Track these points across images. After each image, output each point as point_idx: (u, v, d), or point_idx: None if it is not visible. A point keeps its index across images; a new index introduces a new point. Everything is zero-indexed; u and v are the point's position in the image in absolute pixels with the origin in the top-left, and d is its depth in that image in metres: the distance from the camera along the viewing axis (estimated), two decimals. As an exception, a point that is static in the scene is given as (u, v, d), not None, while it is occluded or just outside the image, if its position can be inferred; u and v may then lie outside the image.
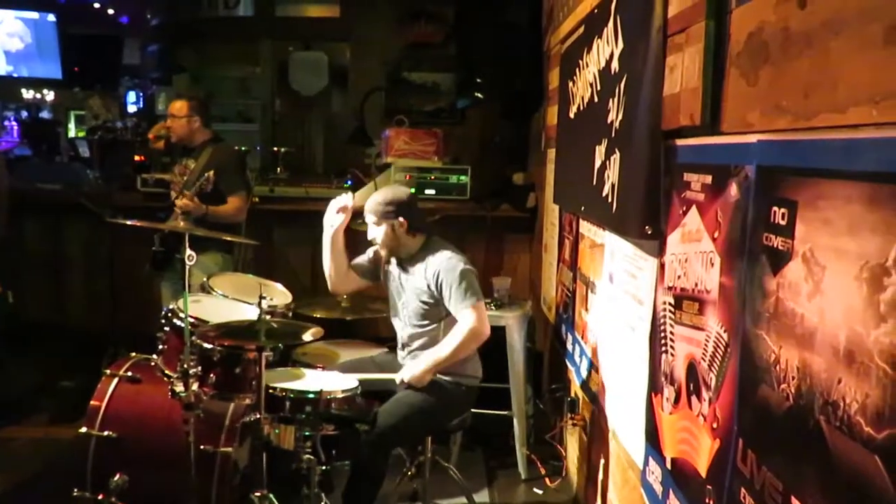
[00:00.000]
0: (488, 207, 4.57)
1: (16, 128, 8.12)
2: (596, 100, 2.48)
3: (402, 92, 6.02)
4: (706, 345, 1.49)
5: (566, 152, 3.16)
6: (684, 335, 1.63)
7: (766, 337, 1.22)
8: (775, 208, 1.20)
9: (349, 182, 4.71)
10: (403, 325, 2.75)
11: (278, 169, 5.00)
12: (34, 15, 7.92)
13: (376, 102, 5.79)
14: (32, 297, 4.77)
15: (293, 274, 4.46)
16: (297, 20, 6.23)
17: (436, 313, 2.66)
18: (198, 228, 2.39)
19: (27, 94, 9.51)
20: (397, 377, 2.56)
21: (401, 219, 2.65)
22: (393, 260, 2.78)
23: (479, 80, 6.03)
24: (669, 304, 1.74)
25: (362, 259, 2.88)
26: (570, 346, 3.12)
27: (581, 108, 2.78)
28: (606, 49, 2.29)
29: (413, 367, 2.57)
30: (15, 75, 8.44)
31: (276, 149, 5.23)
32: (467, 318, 2.55)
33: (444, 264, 2.61)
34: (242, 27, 6.30)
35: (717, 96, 1.49)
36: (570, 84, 3.00)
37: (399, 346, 2.79)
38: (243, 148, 4.85)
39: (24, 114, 9.04)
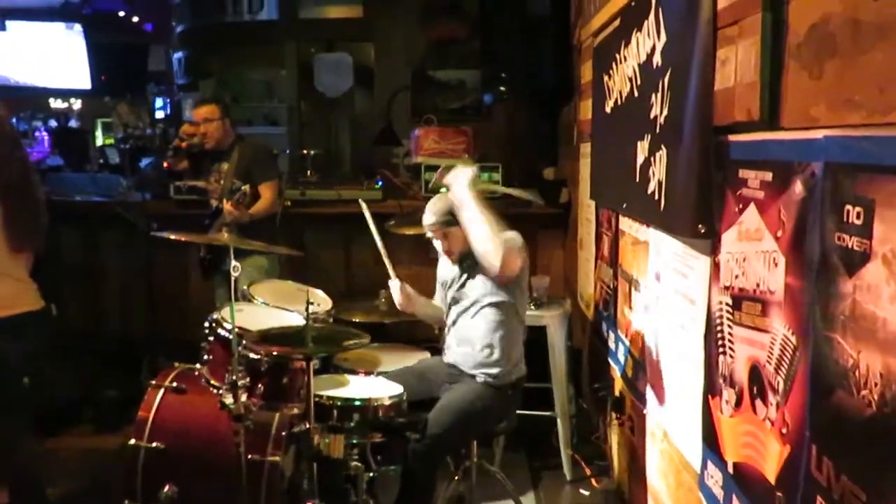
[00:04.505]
0: (521, 204, 4.53)
1: (46, 138, 8.23)
2: (636, 94, 2.43)
3: (428, 90, 5.99)
4: (771, 347, 1.44)
5: (604, 147, 3.11)
6: (745, 337, 1.58)
7: (842, 341, 1.18)
8: (849, 207, 1.16)
9: (379, 183, 4.70)
10: (455, 320, 2.76)
11: (308, 172, 5.00)
12: (61, 26, 7.99)
13: (402, 101, 5.77)
14: (70, 306, 4.83)
15: (327, 276, 4.46)
16: (321, 21, 6.22)
17: (495, 292, 2.66)
18: (241, 241, 2.38)
19: (55, 103, 9.62)
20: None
21: None
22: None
23: (503, 76, 5.99)
24: (727, 304, 1.69)
25: (439, 293, 2.96)
26: (612, 345, 3.08)
27: (619, 102, 2.73)
28: (647, 42, 2.24)
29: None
30: (44, 86, 8.54)
31: (304, 151, 5.23)
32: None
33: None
34: (267, 31, 6.31)
35: (776, 90, 1.44)
36: (606, 78, 2.95)
37: (450, 345, 2.78)
38: (273, 151, 4.85)
39: (53, 123, 9.16)
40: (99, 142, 8.86)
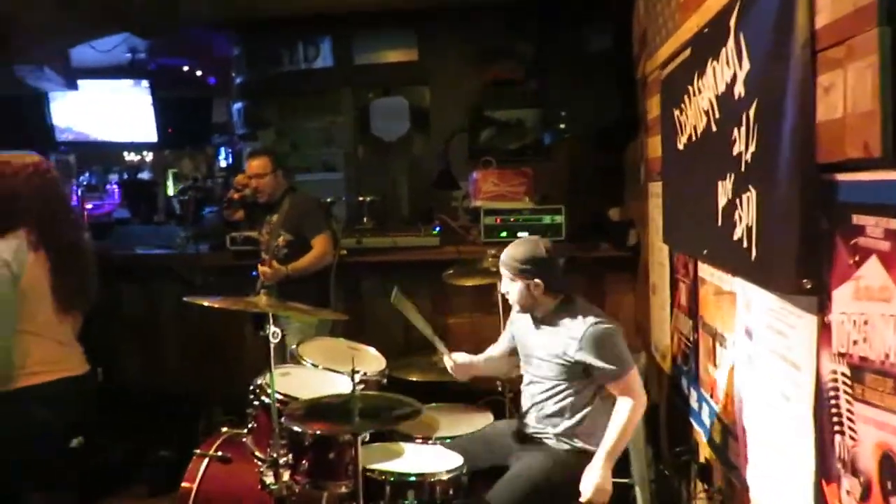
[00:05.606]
0: (587, 247, 4.28)
1: (116, 191, 8.48)
2: (714, 129, 2.19)
3: (486, 131, 5.84)
4: (912, 436, 1.17)
5: (677, 188, 2.85)
6: (872, 417, 1.31)
7: None
8: None
9: (437, 229, 4.54)
10: (532, 382, 2.55)
11: (364, 219, 4.89)
12: (129, 82, 8.28)
13: (460, 143, 5.64)
14: (128, 360, 4.80)
15: (384, 328, 4.29)
16: (376, 67, 6.17)
17: (573, 374, 2.47)
18: (281, 306, 2.24)
19: (128, 156, 9.99)
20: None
21: (537, 280, 2.48)
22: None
23: (563, 114, 5.81)
24: (843, 374, 1.42)
25: (505, 338, 2.79)
26: (694, 404, 2.78)
27: (694, 138, 2.49)
28: (727, 72, 2.01)
29: (591, 477, 2.35)
30: (116, 141, 8.86)
31: (361, 198, 5.13)
32: (624, 393, 2.42)
33: (587, 333, 2.44)
34: (323, 78, 6.30)
35: (900, 120, 1.19)
36: (677, 112, 2.71)
37: (525, 407, 2.56)
38: (329, 199, 4.76)
39: (125, 175, 9.47)
40: (171, 192, 9.10)
